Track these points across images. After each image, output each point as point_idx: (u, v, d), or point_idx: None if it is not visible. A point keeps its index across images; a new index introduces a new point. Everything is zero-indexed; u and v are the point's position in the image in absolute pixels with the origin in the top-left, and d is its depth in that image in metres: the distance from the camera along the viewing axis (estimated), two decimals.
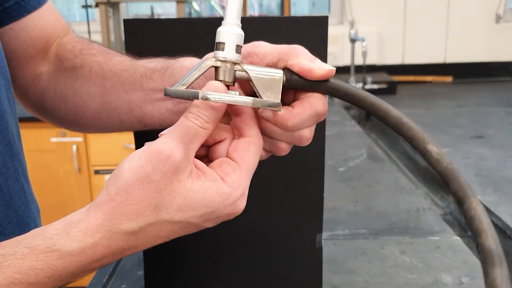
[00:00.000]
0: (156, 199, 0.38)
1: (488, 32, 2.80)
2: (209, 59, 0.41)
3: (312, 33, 0.61)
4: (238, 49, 0.41)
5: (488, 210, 1.12)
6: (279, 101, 0.41)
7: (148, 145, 0.39)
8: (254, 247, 0.70)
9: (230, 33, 0.41)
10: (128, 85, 0.53)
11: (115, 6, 2.77)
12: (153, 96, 0.52)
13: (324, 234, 0.74)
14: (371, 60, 2.59)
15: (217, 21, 0.64)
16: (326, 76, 0.42)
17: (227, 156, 0.42)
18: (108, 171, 2.39)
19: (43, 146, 2.27)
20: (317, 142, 0.64)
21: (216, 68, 0.41)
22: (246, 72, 0.41)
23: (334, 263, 0.84)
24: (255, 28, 0.61)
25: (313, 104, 0.43)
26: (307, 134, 0.44)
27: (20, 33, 0.59)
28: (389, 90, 2.46)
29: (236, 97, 0.39)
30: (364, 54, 2.21)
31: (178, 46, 0.62)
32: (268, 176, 0.64)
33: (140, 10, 3.17)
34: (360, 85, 2.32)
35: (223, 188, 0.39)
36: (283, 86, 0.42)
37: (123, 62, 0.55)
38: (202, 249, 0.70)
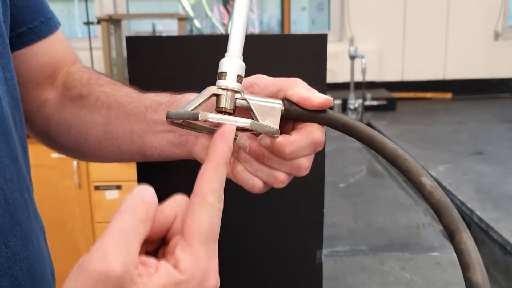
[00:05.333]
0: None
1: (487, 49, 2.82)
2: (211, 87, 0.42)
3: (312, 50, 0.62)
4: (239, 79, 0.42)
5: (488, 226, 1.12)
6: (277, 128, 0.42)
7: (80, 263, 0.32)
8: (254, 263, 0.70)
9: (232, 63, 0.42)
10: (132, 116, 0.54)
11: (116, 23, 2.79)
12: (156, 128, 0.53)
13: (324, 251, 0.74)
14: (371, 76, 2.60)
15: (218, 38, 0.65)
16: (323, 104, 0.43)
17: (180, 231, 0.35)
18: (108, 187, 2.39)
19: (43, 161, 2.28)
20: (317, 157, 0.64)
21: (218, 96, 0.42)
22: (246, 100, 0.42)
23: (334, 279, 0.84)
24: (256, 45, 0.62)
25: (311, 132, 0.43)
26: (304, 163, 0.44)
27: (30, 58, 0.60)
28: (388, 107, 2.46)
29: (235, 119, 0.40)
30: (364, 70, 2.22)
31: (179, 63, 0.63)
32: (268, 192, 0.64)
33: (142, 27, 3.19)
34: (359, 101, 2.32)
35: (180, 279, 0.33)
36: (281, 116, 0.43)
37: (129, 94, 0.57)
38: None
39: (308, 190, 0.67)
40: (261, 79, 0.45)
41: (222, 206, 0.36)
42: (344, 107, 2.40)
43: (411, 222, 1.09)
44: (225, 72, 0.42)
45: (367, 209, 1.18)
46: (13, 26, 0.57)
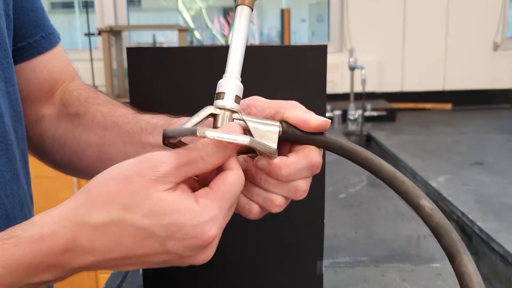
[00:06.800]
0: (128, 200, 0.37)
1: (486, 60, 2.83)
2: (209, 107, 0.42)
3: (311, 61, 0.62)
4: (237, 99, 0.42)
5: (489, 237, 1.12)
6: (276, 148, 0.42)
7: (148, 153, 0.40)
8: (255, 274, 0.70)
9: (230, 84, 0.42)
10: (127, 137, 0.55)
11: (117, 34, 2.80)
12: (150, 150, 0.52)
13: (325, 262, 0.74)
14: (371, 87, 2.61)
15: (218, 50, 0.65)
16: (321, 126, 0.43)
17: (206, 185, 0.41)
18: None
19: (44, 172, 2.28)
20: None
21: (215, 115, 0.42)
22: (243, 121, 0.42)
23: None
24: (256, 56, 0.62)
25: (308, 155, 0.43)
26: (302, 186, 0.44)
27: (29, 73, 0.60)
28: (388, 117, 2.47)
29: (233, 136, 0.39)
30: (364, 81, 2.23)
31: (180, 74, 0.63)
32: None
33: (142, 38, 3.21)
34: (359, 112, 2.33)
35: (193, 206, 0.38)
36: (279, 137, 0.43)
37: (126, 114, 0.57)
38: (202, 280, 0.69)
39: (308, 200, 0.67)
40: (258, 101, 0.45)
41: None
42: (344, 118, 2.41)
43: (411, 233, 1.09)
44: (223, 92, 0.42)
45: (368, 219, 1.18)
46: (13, 40, 0.57)
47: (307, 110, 0.44)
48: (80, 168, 0.60)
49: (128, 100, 0.63)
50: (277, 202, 0.44)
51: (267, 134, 0.43)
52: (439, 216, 0.39)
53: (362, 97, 2.25)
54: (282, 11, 2.84)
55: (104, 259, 0.39)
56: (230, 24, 3.19)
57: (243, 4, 0.43)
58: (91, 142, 0.57)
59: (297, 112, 0.43)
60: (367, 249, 1.00)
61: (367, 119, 2.42)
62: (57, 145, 0.61)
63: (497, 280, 1.10)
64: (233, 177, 0.40)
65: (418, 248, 1.01)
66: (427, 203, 0.40)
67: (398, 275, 0.89)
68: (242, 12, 0.43)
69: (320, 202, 0.67)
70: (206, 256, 0.40)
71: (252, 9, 0.44)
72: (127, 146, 0.54)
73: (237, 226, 0.68)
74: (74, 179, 2.33)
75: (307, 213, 0.67)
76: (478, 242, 1.17)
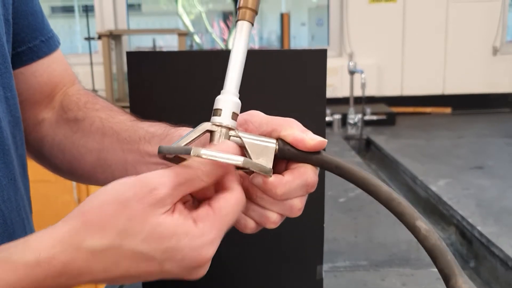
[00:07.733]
0: (125, 225, 0.37)
1: (486, 64, 2.84)
2: (206, 123, 0.42)
3: (311, 65, 0.62)
4: (234, 116, 0.42)
5: (489, 241, 1.12)
6: (270, 167, 0.42)
7: (143, 174, 0.39)
8: (255, 279, 0.70)
9: (227, 100, 0.42)
10: (126, 145, 0.54)
11: (117, 38, 2.81)
12: (149, 159, 0.52)
13: (325, 266, 0.74)
14: (370, 91, 2.61)
15: (218, 54, 0.65)
16: (317, 146, 0.43)
17: (207, 204, 0.41)
18: None
19: (43, 176, 2.27)
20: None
21: (212, 132, 0.42)
22: (240, 138, 0.42)
23: None
24: (256, 61, 0.62)
25: (304, 173, 0.43)
26: (297, 204, 0.44)
27: (29, 77, 0.60)
28: (388, 121, 2.47)
29: (228, 156, 0.39)
30: (363, 85, 2.23)
31: (179, 78, 0.63)
32: None
33: (142, 43, 3.21)
34: (359, 116, 2.33)
35: (193, 229, 0.38)
36: (275, 155, 0.43)
37: (124, 121, 0.57)
38: (201, 285, 0.69)
39: (308, 205, 0.66)
40: (255, 117, 0.45)
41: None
42: (344, 122, 2.41)
43: (411, 237, 1.07)
44: (220, 109, 0.42)
45: (368, 223, 1.18)
46: (13, 45, 0.57)
47: (304, 128, 0.44)
48: (80, 173, 0.60)
49: (127, 104, 0.63)
50: (272, 219, 0.44)
51: (263, 152, 0.43)
52: (434, 238, 0.40)
53: (362, 101, 2.26)
54: (282, 15, 2.84)
55: (101, 278, 0.38)
56: (229, 28, 3.19)
57: (243, 19, 0.43)
58: (90, 148, 0.57)
59: (294, 131, 0.43)
60: (367, 253, 1.00)
61: (367, 123, 2.42)
62: (57, 149, 0.61)
63: (497, 284, 1.09)
64: (235, 199, 0.40)
65: (418, 252, 1.01)
66: (423, 225, 0.40)
67: (398, 279, 0.89)
68: (243, 27, 0.43)
69: (320, 206, 0.67)
70: (201, 273, 0.40)
71: (252, 24, 0.44)
72: (126, 154, 0.54)
73: (237, 230, 0.67)
74: (74, 183, 2.33)
75: (307, 217, 0.67)
76: (478, 246, 1.17)
